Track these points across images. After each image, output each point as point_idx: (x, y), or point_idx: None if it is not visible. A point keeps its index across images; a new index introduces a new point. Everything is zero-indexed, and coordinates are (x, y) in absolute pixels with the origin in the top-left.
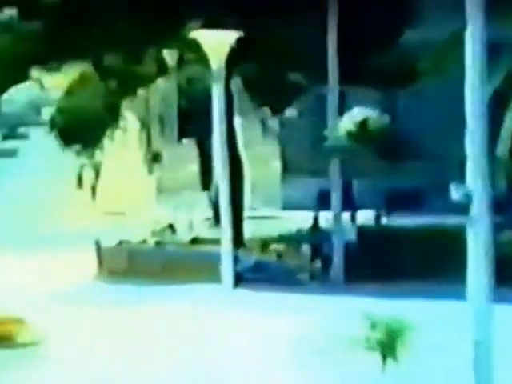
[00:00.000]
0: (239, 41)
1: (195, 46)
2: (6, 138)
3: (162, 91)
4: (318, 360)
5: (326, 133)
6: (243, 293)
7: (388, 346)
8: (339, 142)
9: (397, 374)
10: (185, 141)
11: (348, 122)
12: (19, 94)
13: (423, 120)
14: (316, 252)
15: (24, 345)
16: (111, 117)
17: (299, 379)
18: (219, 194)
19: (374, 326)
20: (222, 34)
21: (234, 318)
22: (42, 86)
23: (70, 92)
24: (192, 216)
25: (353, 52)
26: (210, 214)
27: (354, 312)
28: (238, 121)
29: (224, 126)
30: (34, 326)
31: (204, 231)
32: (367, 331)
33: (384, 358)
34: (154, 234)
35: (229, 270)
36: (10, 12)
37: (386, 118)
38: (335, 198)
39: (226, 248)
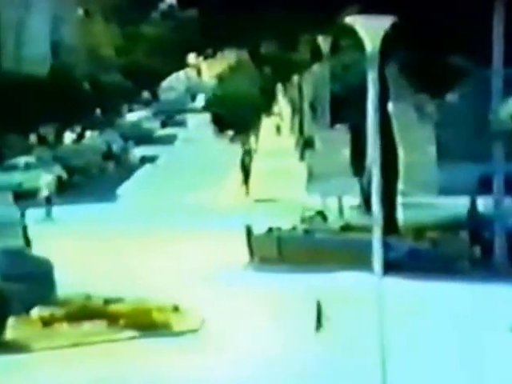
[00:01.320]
0: (395, 26)
1: (350, 32)
2: (164, 125)
3: (316, 77)
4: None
5: (491, 117)
6: (393, 281)
7: None
8: (504, 126)
9: None
10: (338, 126)
11: None
12: (177, 82)
13: None
14: (475, 239)
15: (181, 333)
16: (265, 103)
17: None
18: (371, 180)
19: None
20: (377, 19)
21: (382, 307)
22: (198, 74)
23: (225, 79)
24: (343, 202)
25: None
26: (361, 200)
27: None
28: (392, 106)
29: (378, 112)
30: (190, 313)
31: (355, 218)
32: None
33: None
34: (303, 220)
35: (379, 258)
36: (170, 1)
37: None
38: (497, 183)
39: (376, 235)
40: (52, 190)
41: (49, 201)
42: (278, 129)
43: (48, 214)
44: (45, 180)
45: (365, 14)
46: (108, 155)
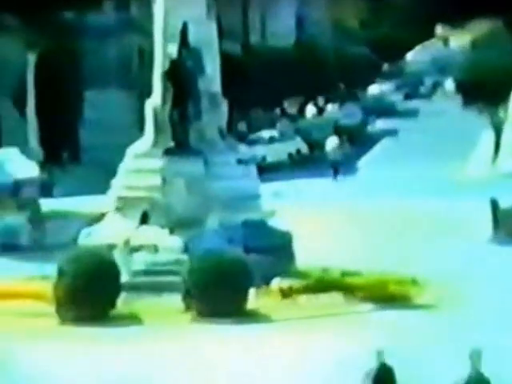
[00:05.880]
0: None
1: None
2: (408, 97)
3: None
4: None
5: None
6: None
7: None
8: None
9: None
10: None
11: None
12: (423, 53)
13: None
14: None
15: (419, 306)
16: None
17: None
18: None
19: None
20: None
21: None
22: (445, 44)
23: (475, 49)
24: None
25: None
26: None
27: None
28: None
29: None
30: (429, 287)
31: None
32: None
33: None
34: None
35: None
36: None
37: None
38: None
39: None
40: (338, 153)
41: (336, 164)
42: None
43: (335, 176)
44: (331, 143)
45: None
46: (344, 129)
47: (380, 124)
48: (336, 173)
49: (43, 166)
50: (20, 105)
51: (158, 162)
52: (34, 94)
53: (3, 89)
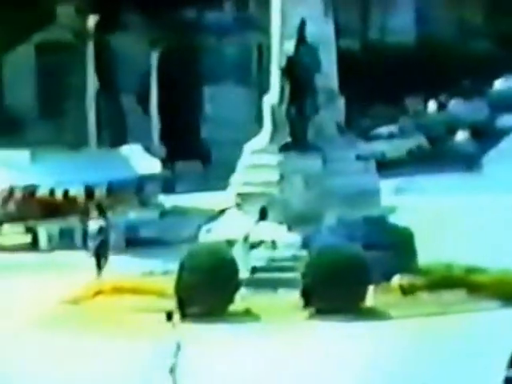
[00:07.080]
0: None
1: None
2: None
3: None
4: None
5: None
6: None
7: None
8: None
9: None
10: None
11: None
12: None
13: None
14: None
15: None
16: None
17: None
18: None
19: None
20: None
21: None
22: None
23: None
24: None
25: None
26: None
27: None
28: None
29: None
30: None
31: None
32: None
33: None
34: None
35: None
36: None
37: None
38: None
39: None
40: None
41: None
42: None
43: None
44: (461, 137)
45: None
46: (470, 124)
47: (508, 120)
48: (467, 166)
49: (166, 162)
50: (143, 102)
51: (275, 158)
52: (156, 91)
53: (128, 86)
